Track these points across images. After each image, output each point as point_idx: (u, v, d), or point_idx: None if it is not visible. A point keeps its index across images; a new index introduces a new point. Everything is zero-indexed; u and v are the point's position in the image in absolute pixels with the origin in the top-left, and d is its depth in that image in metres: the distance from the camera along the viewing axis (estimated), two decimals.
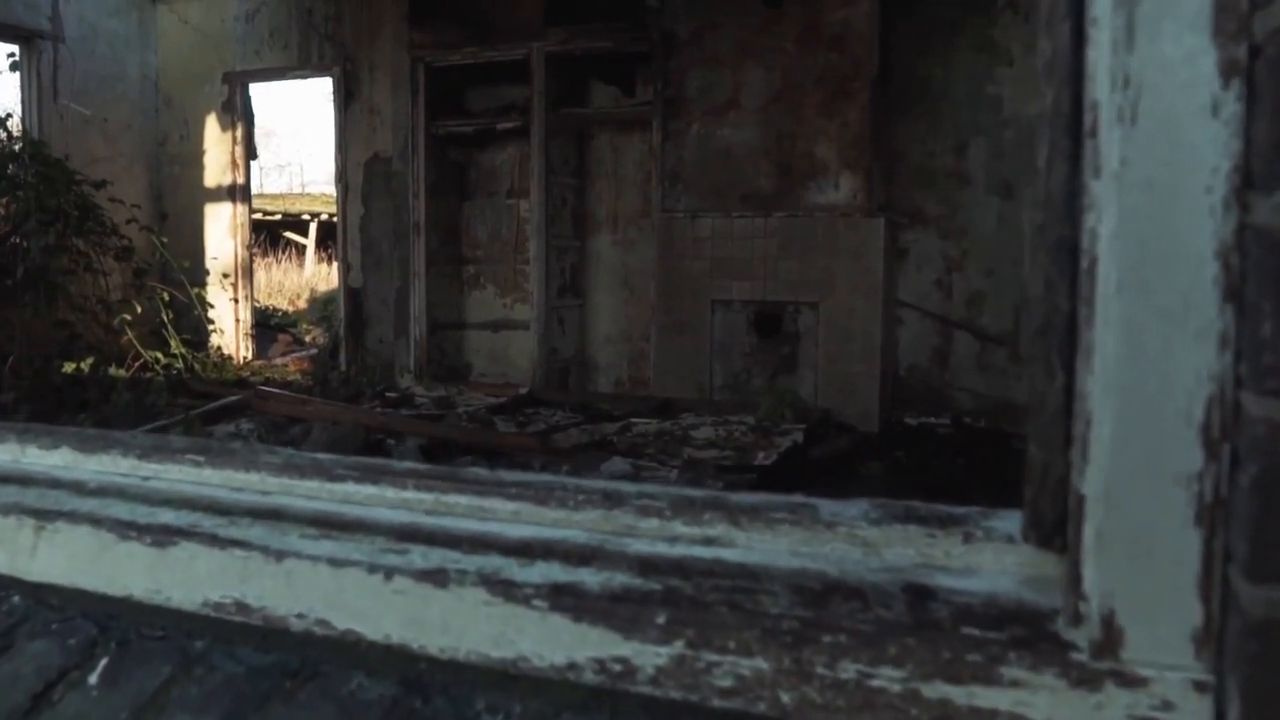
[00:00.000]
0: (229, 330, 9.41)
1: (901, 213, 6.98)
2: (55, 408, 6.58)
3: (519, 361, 8.18)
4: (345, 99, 8.65)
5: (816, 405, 6.56)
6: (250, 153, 9.58)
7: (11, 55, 8.35)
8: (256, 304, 10.34)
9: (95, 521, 0.74)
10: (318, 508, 0.74)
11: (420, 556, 0.65)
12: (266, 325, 11.35)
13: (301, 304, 15.05)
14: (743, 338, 6.90)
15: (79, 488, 0.80)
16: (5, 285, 7.34)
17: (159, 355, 8.09)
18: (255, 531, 0.71)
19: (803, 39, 6.66)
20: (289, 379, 8.69)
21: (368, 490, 0.74)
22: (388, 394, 7.60)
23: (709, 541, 0.65)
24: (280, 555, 0.66)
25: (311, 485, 0.76)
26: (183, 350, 8.40)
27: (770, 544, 0.63)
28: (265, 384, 8.08)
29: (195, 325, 8.90)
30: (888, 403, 6.74)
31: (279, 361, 9.79)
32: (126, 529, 0.72)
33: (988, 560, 0.61)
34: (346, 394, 7.60)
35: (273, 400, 6.73)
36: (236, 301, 9.49)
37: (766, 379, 6.81)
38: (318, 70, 8.93)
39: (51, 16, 8.44)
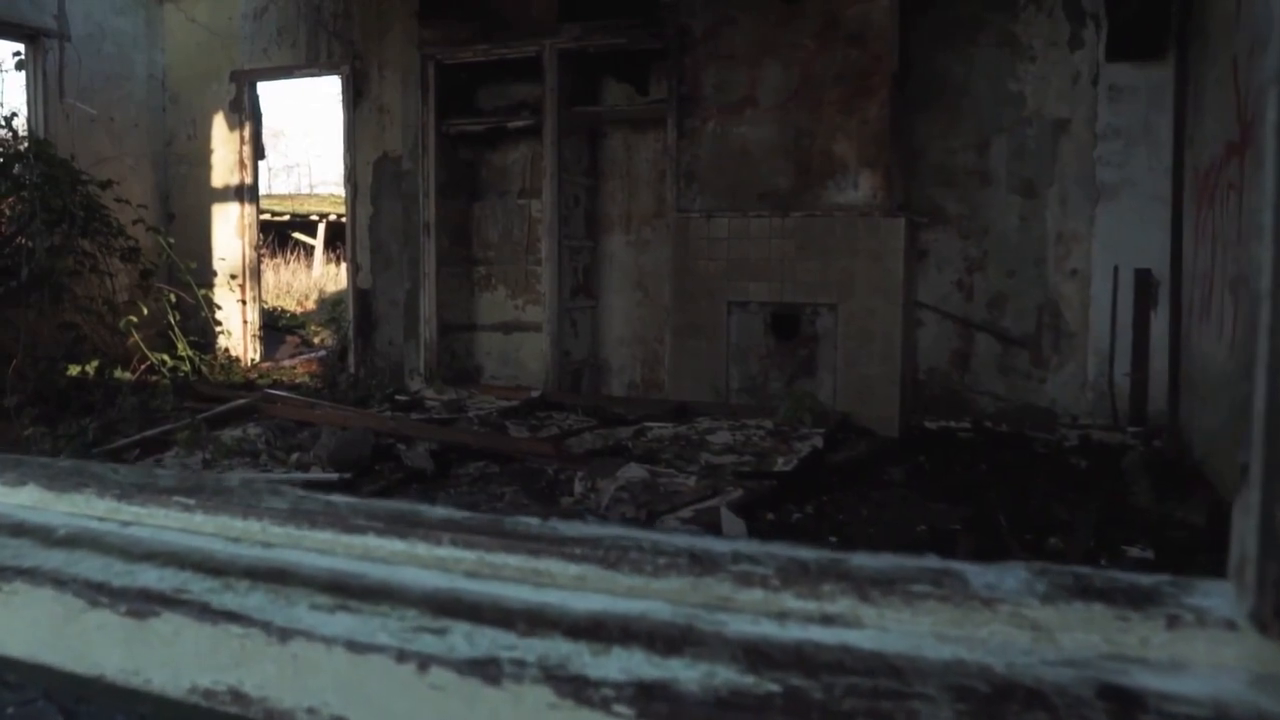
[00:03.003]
0: (236, 332, 9.30)
1: (921, 212, 6.85)
2: (59, 411, 6.47)
3: (530, 364, 8.05)
4: (354, 98, 8.53)
5: (835, 409, 6.42)
6: (258, 152, 9.47)
7: (17, 54, 8.26)
8: (264, 305, 10.24)
9: (60, 582, 0.60)
10: (332, 567, 0.60)
11: (464, 639, 0.51)
12: (274, 327, 11.24)
13: (310, 305, 14.95)
14: (760, 340, 6.76)
15: (46, 536, 0.67)
16: (10, 286, 7.23)
17: (165, 357, 7.98)
18: (255, 600, 0.57)
19: (821, 35, 6.52)
20: (297, 381, 8.58)
21: (394, 546, 0.61)
22: (397, 397, 7.48)
23: (829, 620, 0.51)
24: (285, 634, 0.53)
25: (324, 537, 0.62)
26: (189, 352, 8.30)
27: (909, 625, 0.50)
28: (273, 386, 7.97)
29: (202, 327, 8.79)
30: (907, 406, 6.60)
31: (287, 363, 9.67)
32: (98, 593, 0.59)
33: (1200, 652, 0.47)
34: (355, 397, 7.49)
35: (280, 404, 6.61)
36: (244, 303, 9.39)
37: (784, 382, 6.67)
38: (326, 68, 8.82)
39: (57, 15, 8.34)
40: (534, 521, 0.60)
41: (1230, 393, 4.56)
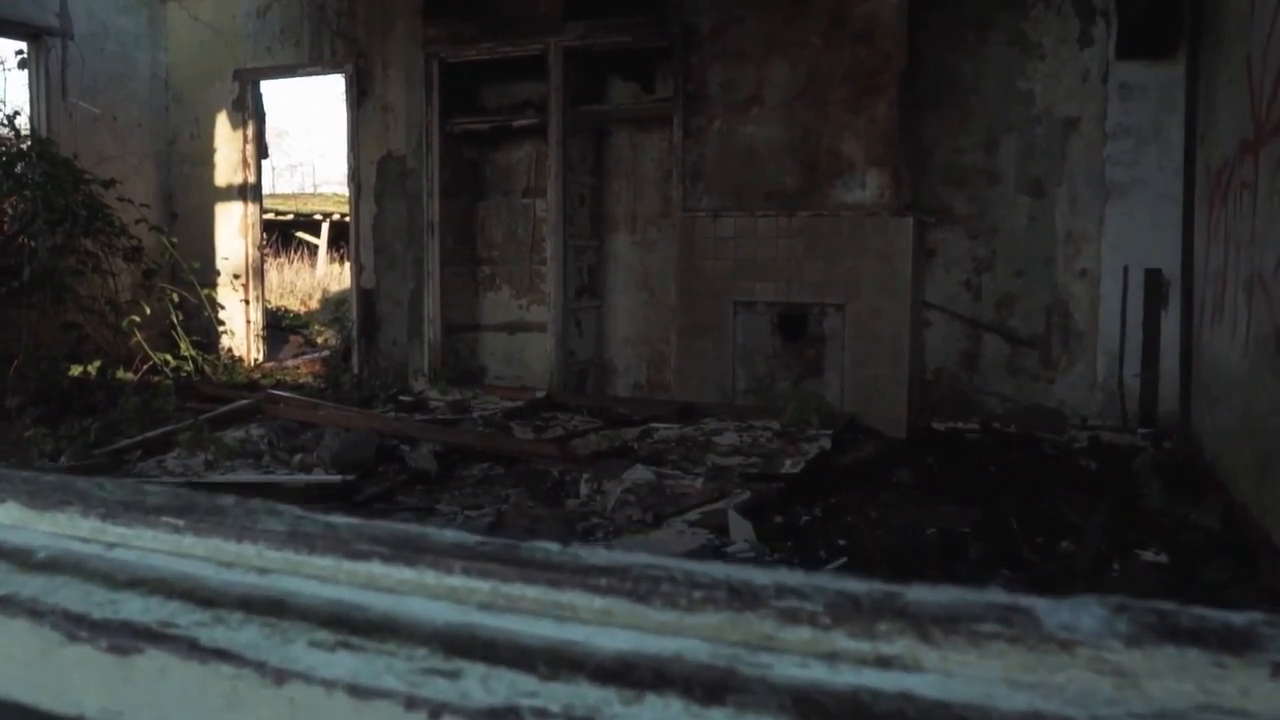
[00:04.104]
0: (240, 332, 9.26)
1: (929, 211, 6.79)
2: (62, 411, 6.43)
3: (535, 364, 8.01)
4: (358, 96, 8.49)
5: (843, 410, 6.37)
6: (261, 151, 9.42)
7: (20, 52, 8.22)
8: (268, 305, 10.19)
9: (37, 613, 0.55)
10: (333, 597, 0.55)
11: (479, 683, 0.46)
12: (278, 327, 11.20)
13: (313, 305, 14.91)
14: (766, 340, 6.71)
15: (24, 559, 0.62)
16: (12, 286, 7.19)
17: (168, 357, 7.94)
18: (248, 635, 0.52)
19: (829, 32, 6.47)
20: (300, 382, 8.54)
21: (401, 574, 0.55)
22: (401, 397, 7.44)
23: (886, 663, 0.46)
24: (281, 676, 0.48)
25: (324, 563, 0.57)
26: (192, 352, 8.25)
27: (976, 669, 0.44)
28: (276, 387, 7.93)
29: (205, 327, 8.74)
30: (915, 407, 6.55)
31: (290, 363, 9.63)
32: (77, 626, 0.54)
33: None
34: (359, 397, 7.44)
35: (284, 404, 6.57)
36: (247, 303, 9.34)
37: (791, 383, 6.62)
38: (330, 67, 8.77)
39: (60, 13, 8.30)
40: (554, 548, 0.55)
41: (1244, 393, 4.50)
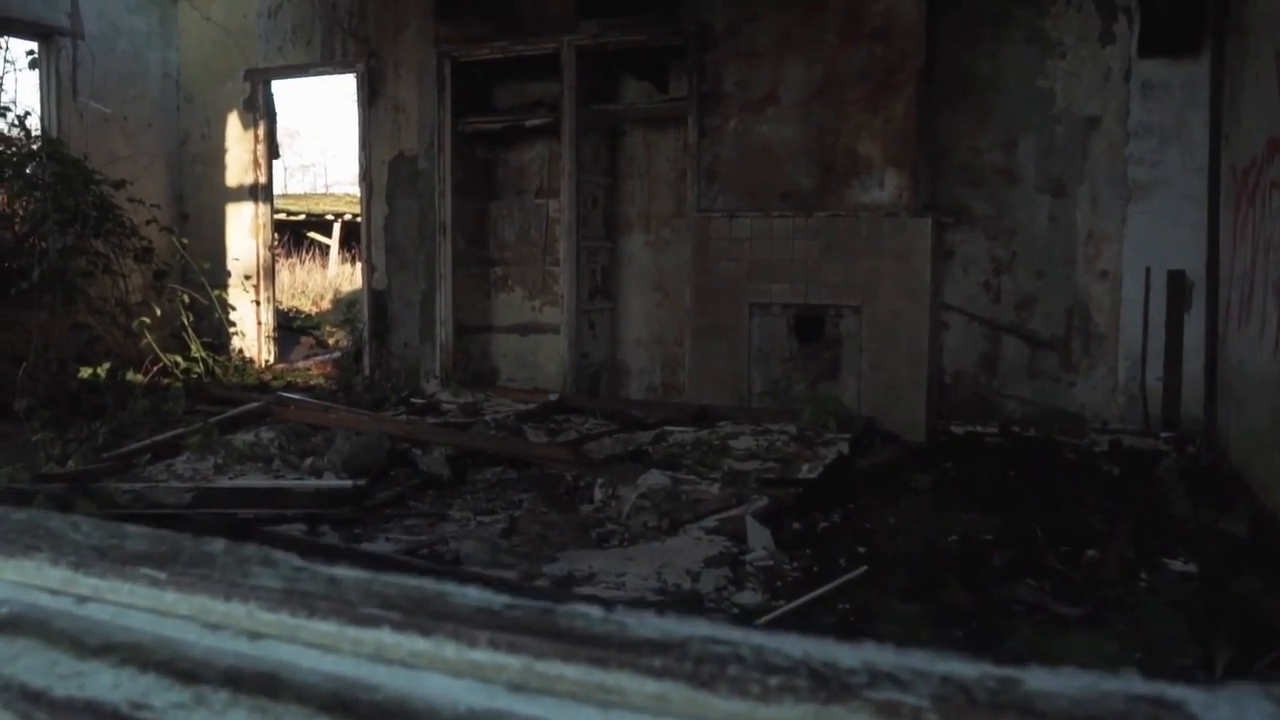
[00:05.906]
0: (250, 333, 9.20)
1: (947, 212, 6.68)
2: (70, 414, 6.38)
3: (548, 366, 7.92)
4: (369, 96, 8.42)
5: (860, 413, 6.27)
6: (272, 151, 9.37)
7: (30, 53, 8.18)
8: (279, 306, 10.14)
9: None
10: (335, 672, 0.46)
11: None
12: (289, 327, 11.15)
13: (325, 305, 14.86)
14: (782, 342, 6.61)
15: None
16: (22, 287, 7.15)
17: (179, 359, 7.88)
18: None
19: (845, 30, 6.37)
20: (311, 383, 8.48)
21: (416, 644, 0.47)
22: (413, 400, 7.37)
23: None
24: None
25: (326, 629, 0.49)
26: (203, 354, 8.20)
27: None
28: (287, 389, 7.87)
29: (216, 328, 8.69)
30: (933, 411, 6.45)
31: (301, 365, 9.58)
32: (35, 706, 0.46)
33: None
34: (370, 400, 7.37)
35: (294, 407, 6.50)
36: (258, 303, 9.29)
37: (807, 386, 6.52)
38: (341, 67, 8.71)
39: (71, 13, 8.26)
40: (595, 613, 0.47)
41: (1273, 397, 4.40)
